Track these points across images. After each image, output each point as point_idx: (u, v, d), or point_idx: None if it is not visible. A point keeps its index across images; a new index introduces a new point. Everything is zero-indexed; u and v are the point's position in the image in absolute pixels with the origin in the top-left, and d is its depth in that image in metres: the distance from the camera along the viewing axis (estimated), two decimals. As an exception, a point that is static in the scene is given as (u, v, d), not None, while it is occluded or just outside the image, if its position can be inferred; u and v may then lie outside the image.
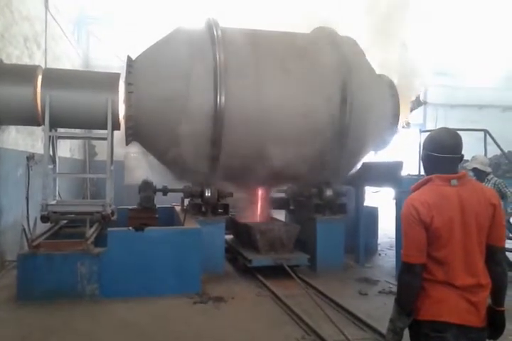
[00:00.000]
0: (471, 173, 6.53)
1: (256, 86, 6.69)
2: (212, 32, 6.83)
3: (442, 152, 2.37)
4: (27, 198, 6.41)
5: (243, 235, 7.65)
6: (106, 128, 6.72)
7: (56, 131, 7.30)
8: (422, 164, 2.51)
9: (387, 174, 7.28)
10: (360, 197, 8.04)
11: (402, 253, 2.34)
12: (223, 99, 6.47)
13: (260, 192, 8.20)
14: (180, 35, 6.91)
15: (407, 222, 2.32)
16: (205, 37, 6.82)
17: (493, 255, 2.35)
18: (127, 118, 6.70)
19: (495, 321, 2.36)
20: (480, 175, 6.35)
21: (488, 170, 6.42)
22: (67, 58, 11.50)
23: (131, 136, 6.90)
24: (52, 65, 9.37)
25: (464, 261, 2.28)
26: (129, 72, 6.73)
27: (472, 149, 7.40)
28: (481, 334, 2.31)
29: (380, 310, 5.11)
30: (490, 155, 8.15)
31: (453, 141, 2.40)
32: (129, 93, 6.63)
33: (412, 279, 2.30)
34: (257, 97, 6.69)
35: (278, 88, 6.82)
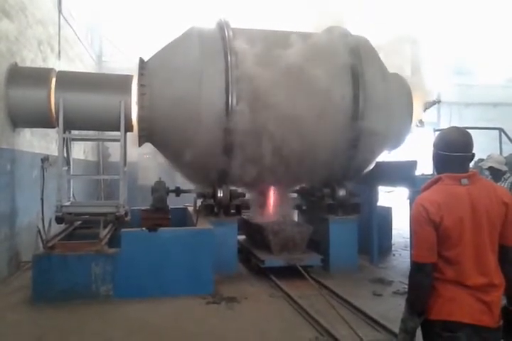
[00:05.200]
0: (486, 172, 6.44)
1: (267, 86, 6.67)
2: (224, 32, 6.84)
3: (452, 150, 2.35)
4: (42, 199, 6.48)
5: (256, 235, 7.64)
6: (119, 130, 6.78)
7: (70, 133, 7.38)
8: (432, 163, 2.49)
9: (401, 173, 7.22)
10: (373, 196, 7.98)
11: (413, 253, 2.34)
12: (235, 99, 6.47)
13: (274, 191, 8.16)
14: (191, 36, 6.93)
15: (417, 222, 2.31)
16: (216, 38, 6.84)
17: (506, 255, 2.32)
18: (140, 119, 6.74)
19: (510, 322, 2.32)
20: (496, 174, 6.26)
21: (504, 168, 6.32)
22: (80, 61, 11.61)
23: (144, 137, 6.94)
24: (66, 67, 9.46)
25: (475, 261, 2.25)
26: (141, 74, 6.78)
27: (487, 148, 7.32)
28: (495, 334, 2.27)
29: (394, 310, 5.04)
30: (505, 153, 8.03)
31: (463, 140, 2.37)
32: (141, 94, 6.68)
33: (422, 279, 2.29)
34: (268, 98, 6.67)
35: (290, 88, 6.79)
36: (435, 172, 2.52)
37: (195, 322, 4.95)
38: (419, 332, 2.38)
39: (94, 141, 12.39)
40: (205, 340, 4.50)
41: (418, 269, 2.30)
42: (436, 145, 2.43)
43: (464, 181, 2.31)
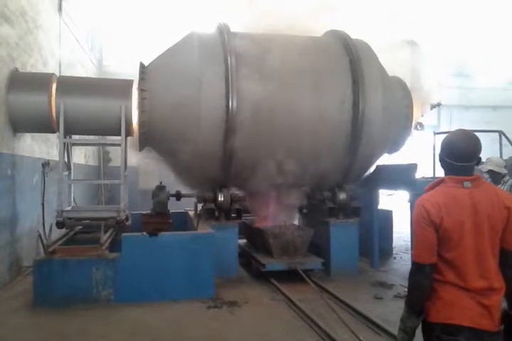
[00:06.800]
0: (486, 175, 6.44)
1: (268, 90, 6.69)
2: (224, 37, 6.87)
3: (458, 160, 2.34)
4: (43, 204, 6.49)
5: (256, 239, 7.64)
6: (120, 135, 6.79)
7: (71, 137, 7.40)
8: (440, 164, 2.48)
9: (401, 177, 7.22)
10: (374, 200, 7.98)
11: (413, 253, 2.36)
12: (235, 104, 6.49)
13: (274, 195, 8.15)
14: (191, 40, 6.96)
15: (417, 223, 2.32)
16: (216, 42, 6.86)
17: (507, 259, 2.31)
18: (141, 124, 6.76)
19: (510, 326, 2.31)
20: (495, 177, 6.24)
21: (504, 171, 6.31)
22: (80, 66, 11.64)
23: (144, 142, 6.96)
24: (66, 72, 9.48)
25: (475, 264, 2.25)
26: (142, 79, 6.80)
27: (487, 150, 7.31)
28: (495, 338, 2.26)
29: (395, 314, 5.00)
30: (505, 156, 8.02)
31: (470, 149, 2.34)
32: (142, 99, 6.70)
33: (422, 279, 2.30)
34: (269, 102, 6.69)
35: (290, 92, 6.82)
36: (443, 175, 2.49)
37: (197, 326, 4.95)
38: (419, 333, 2.38)
39: (94, 146, 12.40)
40: (206, 344, 4.51)
41: (418, 269, 2.32)
42: (443, 151, 2.41)
43: (467, 184, 2.31)
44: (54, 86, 6.74)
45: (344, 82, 7.05)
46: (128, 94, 6.91)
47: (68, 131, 6.92)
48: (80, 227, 7.10)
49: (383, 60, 7.61)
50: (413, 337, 2.34)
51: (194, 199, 7.77)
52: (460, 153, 2.33)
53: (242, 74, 6.61)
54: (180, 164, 7.12)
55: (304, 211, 8.54)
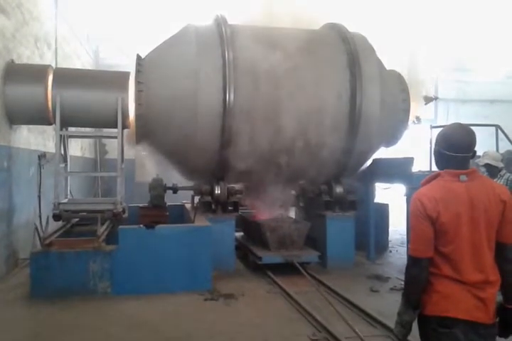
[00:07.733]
0: (483, 169, 6.45)
1: (265, 83, 6.68)
2: (221, 29, 6.83)
3: (455, 151, 2.34)
4: (39, 197, 6.48)
5: (253, 232, 7.66)
6: (116, 127, 6.77)
7: (67, 129, 7.37)
8: (434, 158, 2.49)
9: (397, 170, 7.24)
10: (370, 193, 8.00)
11: (410, 247, 2.36)
12: (232, 96, 6.47)
13: (271, 188, 8.14)
14: (188, 33, 6.92)
15: (414, 217, 2.33)
16: (213, 34, 6.83)
17: (502, 252, 2.33)
18: (137, 117, 6.73)
19: (505, 319, 2.34)
20: (492, 170, 6.27)
21: (501, 165, 6.33)
22: (77, 57, 11.56)
23: (141, 135, 6.93)
24: (63, 64, 9.43)
25: (471, 257, 2.26)
26: (138, 71, 6.76)
27: (484, 144, 7.31)
28: (490, 330, 2.29)
29: (391, 307, 5.02)
30: (502, 150, 8.05)
31: (467, 140, 2.36)
32: (138, 92, 6.66)
33: (418, 273, 2.32)
34: (266, 94, 6.68)
35: (288, 85, 6.80)
36: (437, 168, 2.51)
37: (193, 318, 4.96)
38: (415, 326, 2.40)
39: (91, 138, 12.36)
40: (203, 336, 4.51)
41: (414, 263, 2.33)
42: (439, 144, 2.42)
43: (463, 177, 2.32)
44: (50, 78, 6.70)
45: (342, 75, 7.04)
46: (125, 87, 6.88)
47: (65, 123, 6.89)
48: (77, 220, 7.09)
49: (381, 53, 7.59)
50: (410, 331, 2.36)
51: (191, 192, 7.76)
52: (458, 144, 2.34)
53: (239, 67, 6.58)
54: (177, 157, 7.10)
55: (301, 204, 8.57)
